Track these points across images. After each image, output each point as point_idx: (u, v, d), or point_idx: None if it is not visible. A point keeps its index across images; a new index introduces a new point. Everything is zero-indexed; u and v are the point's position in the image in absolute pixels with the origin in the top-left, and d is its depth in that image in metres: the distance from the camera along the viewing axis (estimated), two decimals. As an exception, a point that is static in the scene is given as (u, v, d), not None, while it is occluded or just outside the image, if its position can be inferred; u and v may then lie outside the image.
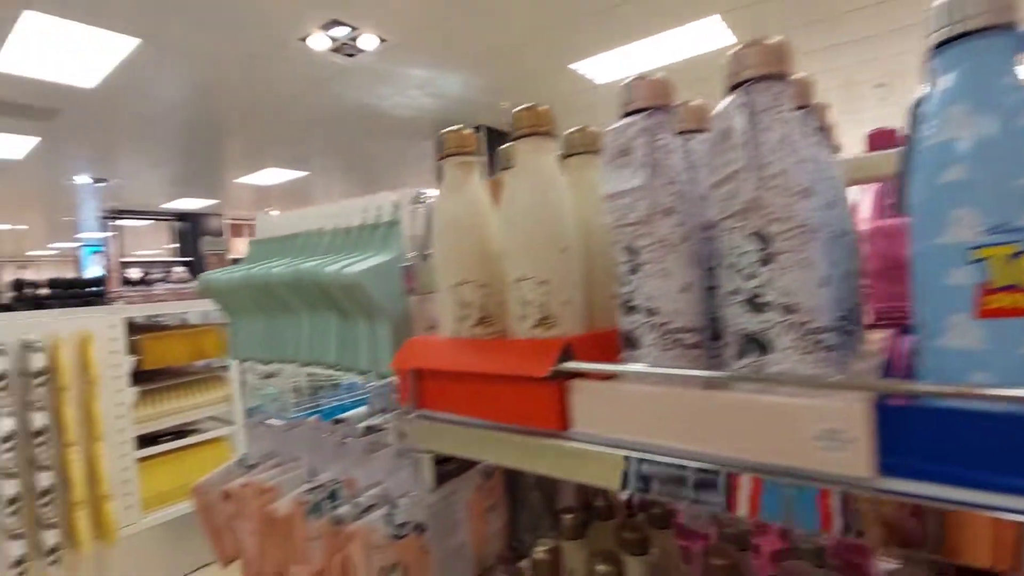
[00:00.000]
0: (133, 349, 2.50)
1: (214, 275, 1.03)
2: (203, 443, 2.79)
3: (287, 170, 7.81)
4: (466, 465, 0.71)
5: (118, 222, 10.31)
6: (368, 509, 0.74)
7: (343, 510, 0.75)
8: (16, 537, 2.06)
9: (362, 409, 1.17)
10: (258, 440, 1.14)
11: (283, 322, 0.93)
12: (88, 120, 5.09)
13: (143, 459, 2.51)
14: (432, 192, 0.77)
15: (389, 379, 0.81)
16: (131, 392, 2.45)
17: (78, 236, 13.43)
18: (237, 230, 12.02)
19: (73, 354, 2.24)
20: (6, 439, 1.99)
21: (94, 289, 2.40)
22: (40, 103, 4.50)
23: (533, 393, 0.54)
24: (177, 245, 11.39)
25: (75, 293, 2.35)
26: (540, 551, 0.64)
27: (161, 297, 2.61)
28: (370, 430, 0.93)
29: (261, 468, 1.05)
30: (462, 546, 0.69)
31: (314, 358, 0.86)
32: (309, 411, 1.53)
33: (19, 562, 2.06)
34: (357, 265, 0.70)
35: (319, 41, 3.82)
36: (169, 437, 2.68)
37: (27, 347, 2.10)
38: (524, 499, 0.79)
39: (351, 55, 4.08)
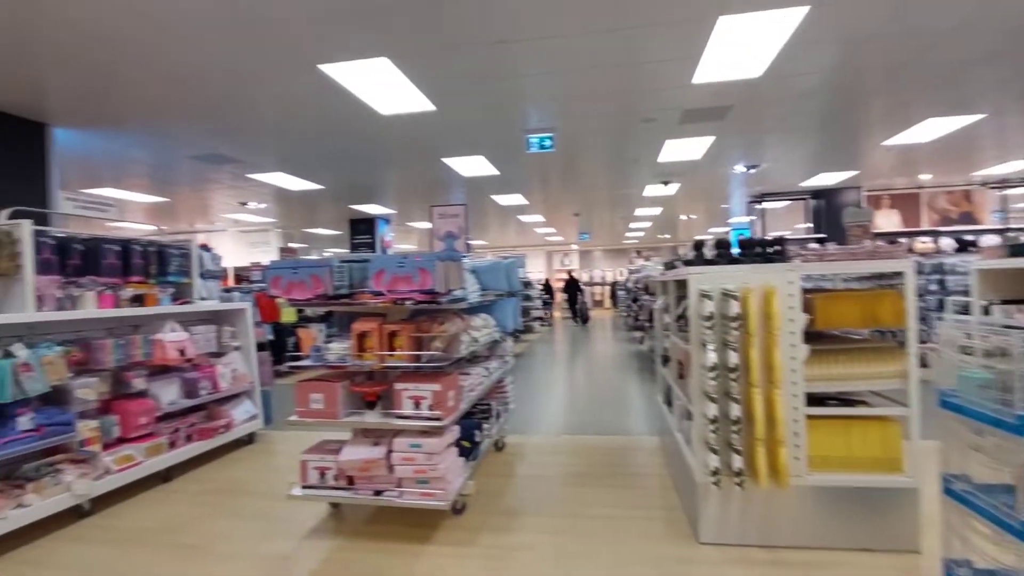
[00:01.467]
0: (805, 307, 2.54)
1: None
2: (870, 419, 2.55)
3: (950, 118, 6.32)
4: None
5: (761, 205, 11.45)
6: None
7: None
8: (713, 451, 2.49)
9: None
10: None
11: None
12: (751, 111, 5.76)
13: (810, 417, 2.53)
14: None
15: None
16: (803, 349, 2.50)
17: (728, 221, 16.01)
18: (875, 202, 10.99)
19: (758, 305, 2.48)
20: (712, 368, 2.42)
21: (776, 248, 2.59)
22: (719, 103, 5.42)
23: None
24: (809, 224, 11.56)
25: (761, 252, 2.61)
26: None
27: (834, 257, 2.53)
28: None
29: None
30: None
31: None
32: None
33: (714, 472, 2.49)
34: None
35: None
36: (834, 402, 2.59)
37: (725, 295, 2.47)
38: None
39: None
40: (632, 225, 16.78)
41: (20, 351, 2.97)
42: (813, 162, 8.62)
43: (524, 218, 13.85)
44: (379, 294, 2.68)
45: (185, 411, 4.08)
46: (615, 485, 3.48)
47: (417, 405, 2.70)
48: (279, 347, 7.69)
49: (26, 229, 3.18)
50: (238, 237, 12.51)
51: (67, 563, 2.70)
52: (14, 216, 3.27)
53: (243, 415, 4.53)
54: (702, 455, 2.59)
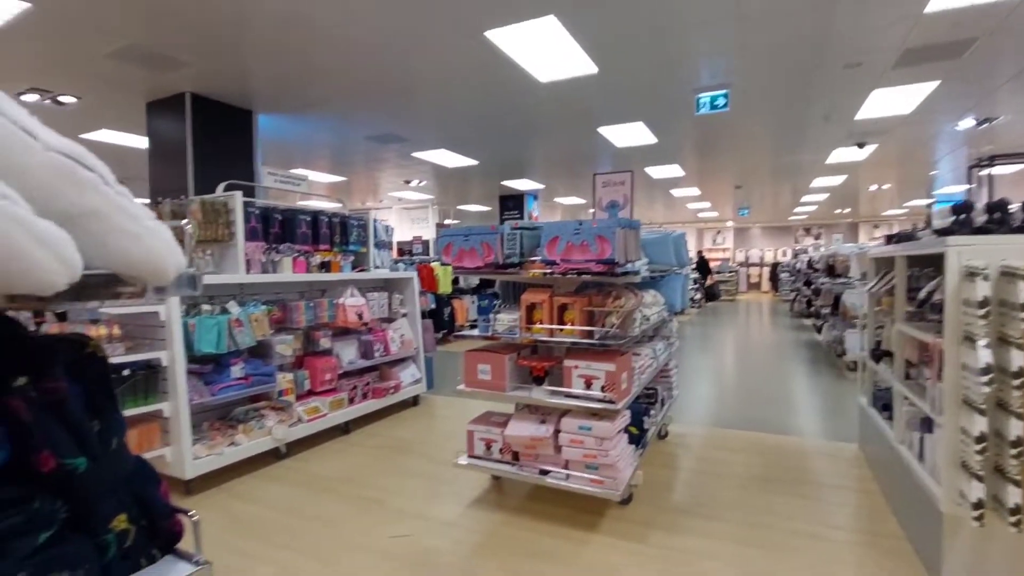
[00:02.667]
0: None
1: None
2: None
3: None
4: None
5: (987, 171, 9.23)
6: None
7: None
8: (976, 478, 1.92)
9: None
10: None
11: None
12: (997, 46, 4.50)
13: None
14: None
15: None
16: None
17: (932, 192, 13.26)
18: None
19: (1062, 289, 1.82)
20: (983, 371, 1.84)
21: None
22: (957, 36, 4.29)
23: None
24: (1059, 192, 9.04)
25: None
26: None
27: None
28: None
29: None
30: None
31: None
32: None
33: (977, 504, 1.92)
34: None
35: None
36: None
37: (1009, 274, 1.85)
38: None
39: None
40: (804, 199, 14.78)
41: (233, 308, 3.37)
42: (1080, 111, 6.63)
43: (677, 192, 12.91)
44: (552, 263, 2.50)
45: (361, 371, 4.39)
46: (808, 496, 2.98)
47: (588, 385, 2.50)
48: (438, 316, 8.10)
49: (238, 200, 3.57)
50: (401, 213, 13.49)
51: (269, 500, 3.02)
52: (227, 189, 3.69)
53: (409, 378, 4.78)
54: (954, 479, 2.02)
